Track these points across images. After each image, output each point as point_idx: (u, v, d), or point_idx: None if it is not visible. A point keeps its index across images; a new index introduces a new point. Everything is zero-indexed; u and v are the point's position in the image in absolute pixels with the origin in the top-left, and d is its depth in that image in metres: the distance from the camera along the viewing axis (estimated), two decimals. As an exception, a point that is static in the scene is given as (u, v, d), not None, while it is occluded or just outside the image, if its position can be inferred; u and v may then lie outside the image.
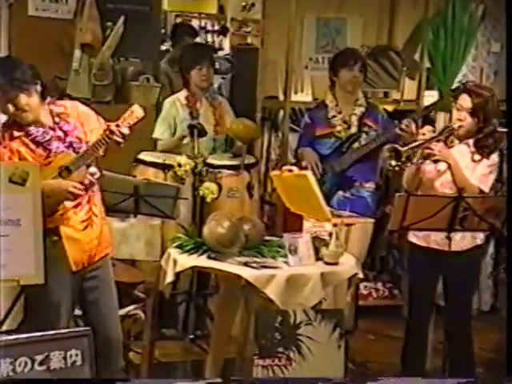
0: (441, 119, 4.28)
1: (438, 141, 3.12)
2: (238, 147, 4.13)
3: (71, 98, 3.91)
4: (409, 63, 4.48)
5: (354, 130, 3.95)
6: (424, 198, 3.13)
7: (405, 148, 3.09)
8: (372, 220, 3.89)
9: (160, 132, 4.10)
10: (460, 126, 3.13)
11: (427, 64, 4.37)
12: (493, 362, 3.74)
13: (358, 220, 3.71)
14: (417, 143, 3.14)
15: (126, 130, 2.64)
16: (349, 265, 3.17)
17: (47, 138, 2.68)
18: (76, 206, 2.72)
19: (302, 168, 3.91)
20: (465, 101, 3.13)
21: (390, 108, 4.35)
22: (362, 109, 3.97)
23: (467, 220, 2.95)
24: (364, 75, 3.98)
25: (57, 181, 2.62)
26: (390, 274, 4.62)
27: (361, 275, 3.27)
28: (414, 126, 3.77)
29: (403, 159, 3.05)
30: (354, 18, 4.47)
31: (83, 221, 2.74)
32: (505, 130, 3.80)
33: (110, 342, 2.77)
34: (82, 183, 2.67)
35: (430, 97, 4.43)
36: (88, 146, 2.70)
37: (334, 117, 3.96)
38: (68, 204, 2.69)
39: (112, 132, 2.62)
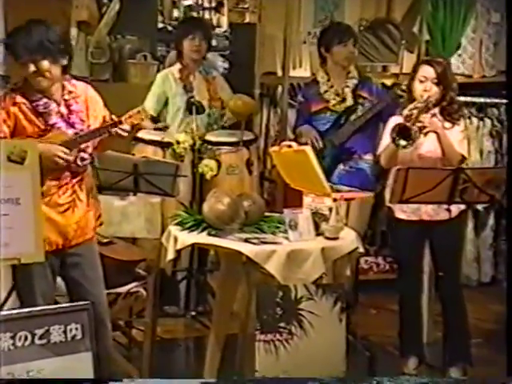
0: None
1: (426, 112, 3.18)
2: (235, 123, 4.11)
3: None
4: (407, 36, 4.44)
5: (349, 102, 3.93)
6: (423, 171, 3.12)
7: (410, 123, 3.08)
8: (372, 194, 3.89)
9: (149, 106, 4.06)
10: (429, 97, 3.21)
11: (426, 36, 4.34)
12: (493, 333, 3.76)
13: (358, 194, 3.70)
14: (414, 116, 3.13)
15: (127, 128, 2.68)
16: (349, 239, 3.18)
17: (49, 109, 2.67)
18: (59, 188, 2.71)
19: (301, 145, 3.90)
20: (427, 72, 3.23)
21: (388, 82, 4.32)
22: (355, 81, 3.95)
23: (467, 192, 2.95)
24: (356, 49, 3.96)
25: (45, 145, 2.60)
26: (390, 249, 4.62)
27: (361, 249, 3.27)
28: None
29: (413, 137, 3.05)
30: (352, -9, 4.44)
31: (64, 203, 2.73)
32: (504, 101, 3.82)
33: (96, 318, 2.77)
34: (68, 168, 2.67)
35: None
36: (86, 131, 2.71)
37: (326, 91, 3.94)
38: (52, 183, 2.68)
39: (114, 125, 2.66)
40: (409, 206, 3.19)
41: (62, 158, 2.63)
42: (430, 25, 4.22)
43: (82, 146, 2.71)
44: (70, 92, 2.75)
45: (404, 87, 3.69)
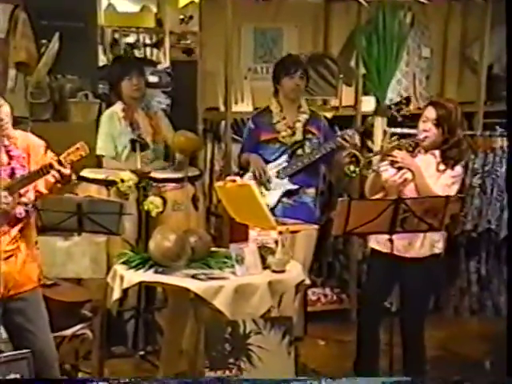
0: (378, 124, 4.37)
1: (399, 149, 3.21)
2: (179, 160, 4.12)
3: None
4: (345, 70, 4.55)
5: (298, 136, 3.99)
6: (365, 202, 3.20)
7: (365, 155, 3.16)
8: (316, 226, 3.94)
9: (104, 148, 4.05)
10: (426, 137, 3.24)
11: (363, 70, 4.46)
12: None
13: (303, 227, 3.75)
14: (377, 151, 3.20)
15: (66, 171, 2.61)
16: (296, 272, 3.21)
17: None
18: (1, 235, 2.66)
19: (245, 171, 3.94)
20: (430, 112, 3.25)
21: (329, 115, 4.41)
22: (306, 116, 4.03)
23: (407, 221, 3.02)
24: (306, 81, 4.04)
25: None
26: (337, 279, 4.67)
27: (307, 281, 3.31)
28: (357, 138, 3.88)
29: (361, 166, 3.13)
30: (290, 28, 4.53)
31: (6, 251, 2.68)
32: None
33: (43, 361, 2.70)
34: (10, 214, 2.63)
35: (367, 102, 4.52)
36: (24, 175, 2.66)
37: (278, 122, 3.99)
38: None
39: (52, 166, 2.60)
40: (384, 236, 3.17)
41: (5, 203, 2.57)
42: (366, 59, 4.34)
43: (22, 191, 2.65)
44: (11, 138, 2.71)
45: (348, 137, 3.80)
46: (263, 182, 3.92)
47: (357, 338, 3.44)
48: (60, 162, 2.60)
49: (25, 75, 4.31)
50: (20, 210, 2.68)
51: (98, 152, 4.04)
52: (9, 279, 2.69)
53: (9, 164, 2.68)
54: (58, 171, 2.60)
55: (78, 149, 2.64)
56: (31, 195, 2.72)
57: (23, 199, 2.68)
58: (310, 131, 4.03)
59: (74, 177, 2.68)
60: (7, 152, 2.69)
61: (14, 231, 2.70)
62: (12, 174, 2.67)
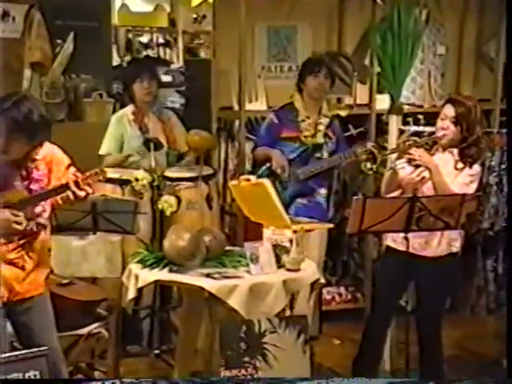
0: (393, 122, 4.35)
1: (417, 146, 3.18)
2: (192, 159, 4.12)
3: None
4: (359, 68, 4.54)
5: (320, 139, 3.99)
6: (380, 201, 3.17)
7: (382, 152, 3.15)
8: (331, 225, 3.93)
9: (107, 148, 4.05)
10: (444, 135, 3.20)
11: (377, 68, 4.43)
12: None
13: (318, 226, 3.74)
14: (394, 149, 3.19)
15: (81, 193, 2.59)
16: (310, 271, 3.20)
17: (10, 174, 2.62)
18: (7, 243, 2.65)
19: (261, 163, 3.92)
20: (448, 110, 3.21)
21: (343, 113, 4.40)
22: (327, 119, 4.03)
23: (423, 220, 2.99)
24: (331, 82, 4.03)
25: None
26: (352, 278, 4.65)
27: (322, 280, 3.29)
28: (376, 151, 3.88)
29: (378, 163, 3.12)
30: (304, 26, 4.52)
31: (10, 259, 2.67)
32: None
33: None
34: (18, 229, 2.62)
35: (382, 100, 4.50)
36: (41, 191, 2.65)
37: (303, 121, 3.98)
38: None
39: (68, 187, 2.59)
40: (400, 234, 3.15)
41: (17, 223, 2.56)
42: (380, 57, 4.30)
43: (38, 210, 2.66)
44: (34, 160, 2.68)
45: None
46: (282, 179, 3.91)
47: (362, 335, 3.39)
48: (77, 184, 2.59)
49: (40, 75, 4.34)
50: (33, 229, 2.67)
51: (101, 151, 4.04)
52: (13, 286, 2.69)
53: (27, 182, 2.66)
54: (73, 192, 2.59)
55: (96, 173, 2.63)
56: (46, 215, 2.71)
57: (39, 219, 2.67)
58: (328, 135, 4.02)
59: (90, 190, 2.65)
60: (28, 173, 2.67)
61: (20, 242, 2.68)
62: (27, 191, 2.66)
